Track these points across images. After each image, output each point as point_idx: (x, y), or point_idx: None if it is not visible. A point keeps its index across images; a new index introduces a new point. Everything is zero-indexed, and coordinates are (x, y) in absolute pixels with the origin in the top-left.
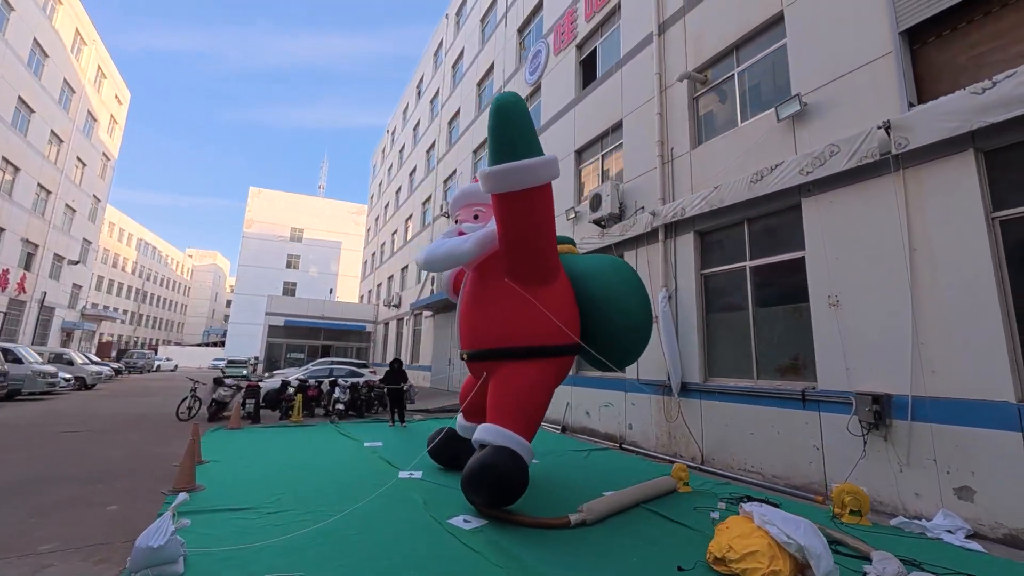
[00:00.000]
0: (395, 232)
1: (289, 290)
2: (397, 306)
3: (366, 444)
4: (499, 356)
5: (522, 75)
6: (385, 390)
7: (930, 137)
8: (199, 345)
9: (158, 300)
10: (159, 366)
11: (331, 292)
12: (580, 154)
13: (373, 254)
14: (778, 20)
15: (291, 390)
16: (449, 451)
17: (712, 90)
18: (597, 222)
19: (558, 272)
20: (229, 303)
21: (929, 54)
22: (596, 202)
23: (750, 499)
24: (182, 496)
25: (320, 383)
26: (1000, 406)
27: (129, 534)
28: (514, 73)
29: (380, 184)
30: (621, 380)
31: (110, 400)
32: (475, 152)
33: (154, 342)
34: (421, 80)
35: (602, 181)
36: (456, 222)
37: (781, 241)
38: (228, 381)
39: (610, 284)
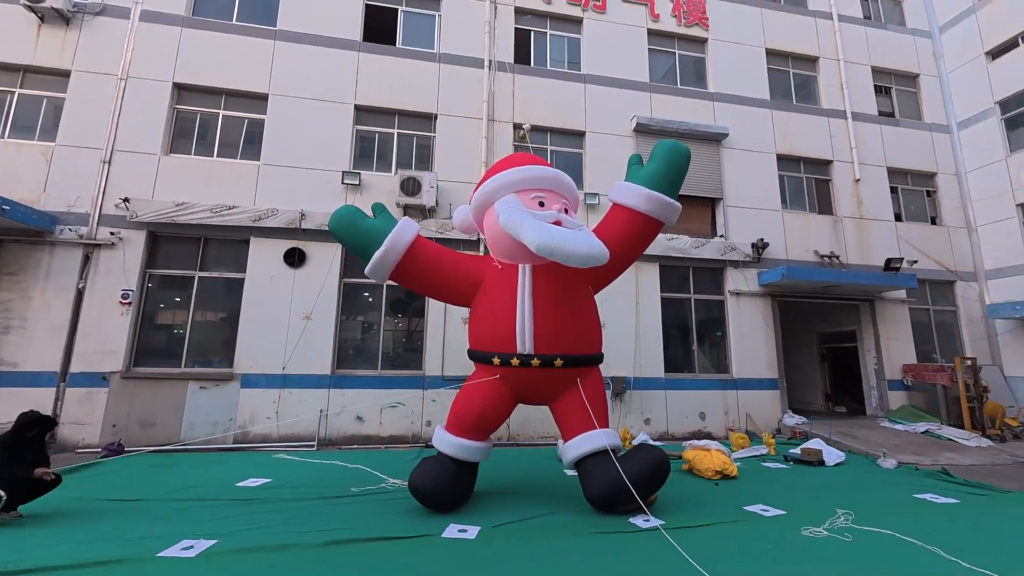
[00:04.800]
0: None
1: None
2: None
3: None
4: (592, 362)
5: None
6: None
7: (651, 252)
8: None
9: None
10: None
11: None
12: (360, 111)
13: None
14: (581, 135)
15: None
16: (456, 485)
17: (526, 148)
18: (410, 208)
19: None
20: None
21: None
22: (414, 187)
23: None
24: None
25: None
26: (633, 380)
27: None
28: None
29: None
30: (416, 378)
31: None
32: None
33: None
34: None
35: (396, 159)
36: (541, 205)
37: None
38: None
39: None
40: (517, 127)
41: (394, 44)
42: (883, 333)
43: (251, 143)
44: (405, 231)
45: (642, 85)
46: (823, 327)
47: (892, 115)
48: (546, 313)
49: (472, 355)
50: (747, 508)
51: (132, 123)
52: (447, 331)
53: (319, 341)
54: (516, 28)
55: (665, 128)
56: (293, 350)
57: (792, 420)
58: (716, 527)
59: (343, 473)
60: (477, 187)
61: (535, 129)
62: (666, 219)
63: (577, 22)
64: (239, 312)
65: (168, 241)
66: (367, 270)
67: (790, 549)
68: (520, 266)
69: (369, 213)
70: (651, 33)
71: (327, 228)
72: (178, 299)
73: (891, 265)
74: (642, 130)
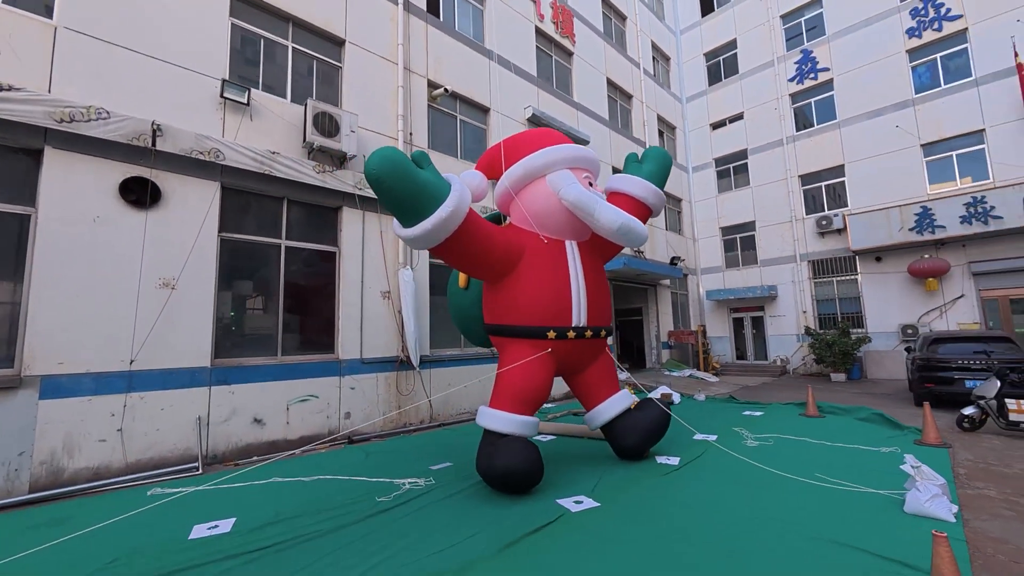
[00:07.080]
0: None
1: None
2: None
3: None
4: (612, 332)
5: None
6: None
7: None
8: None
9: None
10: None
11: None
12: (249, 5)
13: None
14: (486, 111)
15: None
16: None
17: (438, 112)
18: (323, 152)
19: None
20: None
21: None
22: (331, 127)
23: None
24: None
25: None
26: None
27: None
28: None
29: None
30: (331, 363)
31: None
32: None
33: None
34: None
35: (292, 83)
36: (590, 185)
37: None
38: None
39: None
40: (434, 86)
41: None
42: (659, 309)
43: None
44: (467, 192)
45: (531, 77)
46: (619, 304)
47: None
48: (592, 287)
49: (516, 331)
50: (696, 438)
51: None
52: (364, 306)
53: (190, 321)
54: None
55: (550, 123)
56: (148, 335)
57: (623, 375)
58: (706, 454)
59: (316, 488)
60: (504, 159)
61: (443, 94)
62: (658, 210)
63: None
64: (26, 273)
65: None
66: (415, 233)
67: (760, 453)
68: (567, 242)
69: None
70: (538, 32)
71: (194, 154)
72: None
73: (673, 261)
74: (534, 121)
